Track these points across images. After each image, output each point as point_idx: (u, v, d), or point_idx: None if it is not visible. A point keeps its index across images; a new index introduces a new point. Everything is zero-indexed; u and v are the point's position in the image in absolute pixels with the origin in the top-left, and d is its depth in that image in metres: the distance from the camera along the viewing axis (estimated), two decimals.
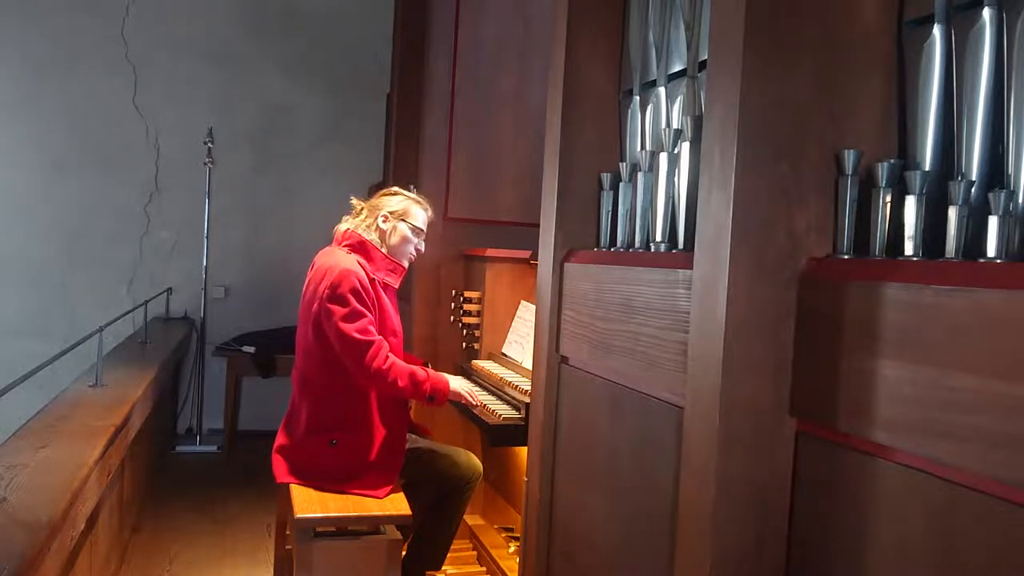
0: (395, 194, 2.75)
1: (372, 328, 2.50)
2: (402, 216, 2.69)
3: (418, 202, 2.75)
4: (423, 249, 2.80)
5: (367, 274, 2.54)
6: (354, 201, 2.78)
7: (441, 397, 2.61)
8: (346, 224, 2.71)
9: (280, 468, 2.58)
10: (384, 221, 2.67)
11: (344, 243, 2.65)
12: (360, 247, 2.62)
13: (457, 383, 2.69)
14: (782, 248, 1.21)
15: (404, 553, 2.62)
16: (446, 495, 2.70)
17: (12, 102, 5.31)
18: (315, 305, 2.51)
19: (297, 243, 5.49)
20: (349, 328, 2.45)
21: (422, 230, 2.75)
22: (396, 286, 2.71)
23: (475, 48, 3.67)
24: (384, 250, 2.66)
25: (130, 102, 5.44)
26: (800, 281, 1.21)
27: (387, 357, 2.50)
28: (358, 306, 2.47)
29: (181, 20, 5.49)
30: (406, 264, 2.73)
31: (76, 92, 5.36)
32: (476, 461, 2.76)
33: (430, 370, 2.64)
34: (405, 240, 2.69)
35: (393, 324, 2.65)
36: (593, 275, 1.77)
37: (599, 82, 1.92)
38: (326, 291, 2.47)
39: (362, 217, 2.71)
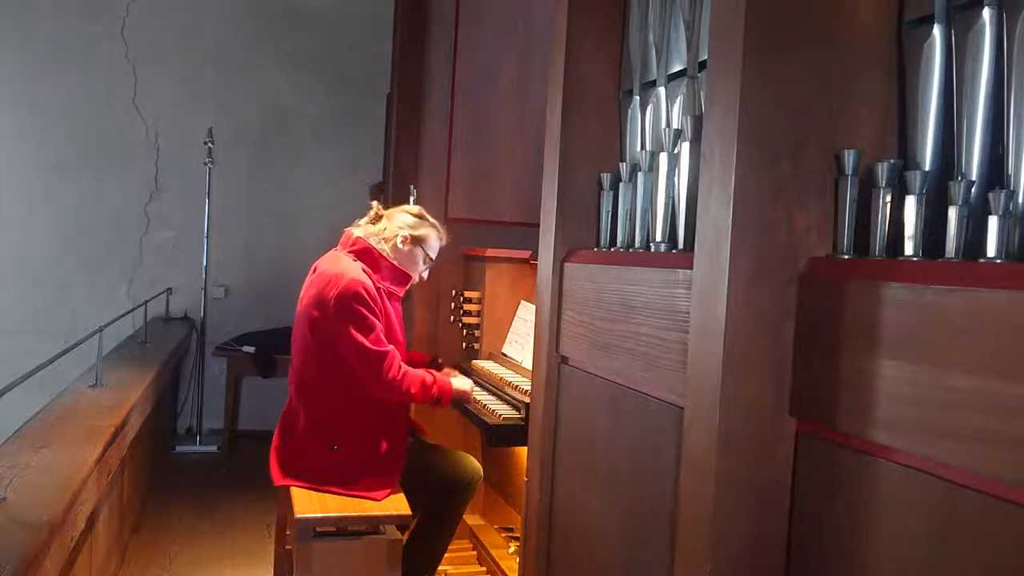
0: (419, 216, 2.71)
1: (383, 336, 2.49)
2: (420, 242, 2.67)
3: (438, 230, 2.73)
4: (426, 277, 2.79)
5: (373, 282, 2.53)
6: (374, 205, 2.75)
7: (446, 398, 2.62)
8: (358, 230, 2.68)
9: (277, 471, 2.57)
10: (403, 243, 2.64)
11: (350, 249, 2.61)
12: (366, 254, 2.59)
13: (458, 383, 2.69)
14: (782, 248, 1.21)
15: None
16: (444, 496, 2.68)
17: (12, 102, 5.31)
18: (319, 312, 2.48)
19: (297, 243, 5.49)
20: (364, 340, 2.43)
21: (433, 260, 2.75)
22: (401, 294, 2.70)
23: (475, 48, 3.67)
24: (393, 261, 2.63)
25: (130, 102, 5.44)
26: (800, 281, 1.21)
27: (400, 366, 2.51)
28: (369, 316, 2.46)
29: (181, 20, 5.49)
30: (413, 275, 2.72)
31: (76, 92, 5.36)
32: (476, 465, 2.74)
33: (435, 373, 2.64)
34: (415, 264, 2.68)
35: (397, 334, 2.64)
36: (593, 275, 1.77)
37: (599, 82, 1.92)
38: (335, 304, 2.44)
39: (380, 227, 2.67)
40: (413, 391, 2.51)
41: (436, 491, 2.68)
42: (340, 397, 2.53)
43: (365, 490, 2.48)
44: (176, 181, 5.51)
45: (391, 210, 2.75)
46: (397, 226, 2.66)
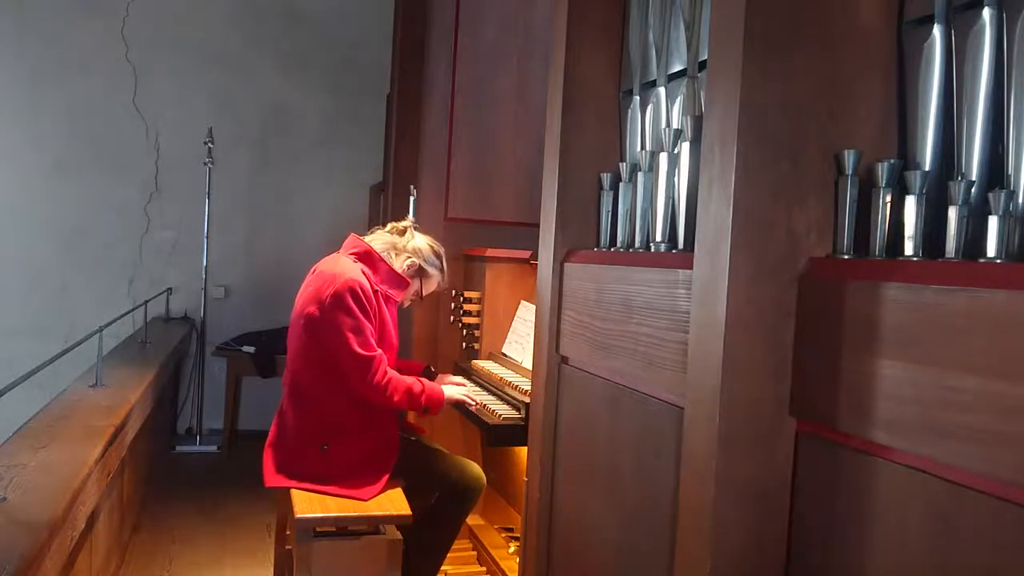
0: (437, 255, 2.77)
1: (373, 340, 2.51)
2: (423, 276, 2.75)
3: (444, 278, 2.81)
4: (406, 306, 2.86)
5: (371, 284, 2.55)
6: (409, 219, 2.81)
7: (436, 408, 2.63)
8: (371, 237, 2.72)
9: (269, 471, 2.58)
10: (409, 267, 2.70)
11: (351, 251, 2.65)
12: (367, 257, 2.62)
13: (451, 391, 2.70)
14: (782, 248, 1.21)
15: None
16: (448, 501, 2.65)
17: (12, 103, 5.30)
18: (315, 309, 2.49)
19: (297, 243, 5.50)
20: (354, 343, 2.46)
21: (422, 299, 2.85)
22: (398, 299, 2.72)
23: (475, 48, 3.66)
24: (393, 266, 2.67)
25: (130, 102, 5.44)
26: (800, 281, 1.21)
27: (386, 372, 2.52)
28: (362, 318, 2.48)
29: (181, 20, 5.48)
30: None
31: (76, 92, 5.35)
32: (480, 472, 2.71)
33: (425, 382, 2.64)
34: (408, 291, 2.74)
35: (391, 337, 2.66)
36: (593, 275, 1.77)
37: (599, 82, 1.92)
38: (330, 300, 2.47)
39: (402, 241, 2.72)
40: (396, 398, 2.52)
41: (440, 495, 2.67)
42: (332, 398, 2.54)
43: (354, 488, 2.49)
44: (176, 181, 5.51)
45: (418, 233, 2.80)
46: (414, 248, 2.72)
